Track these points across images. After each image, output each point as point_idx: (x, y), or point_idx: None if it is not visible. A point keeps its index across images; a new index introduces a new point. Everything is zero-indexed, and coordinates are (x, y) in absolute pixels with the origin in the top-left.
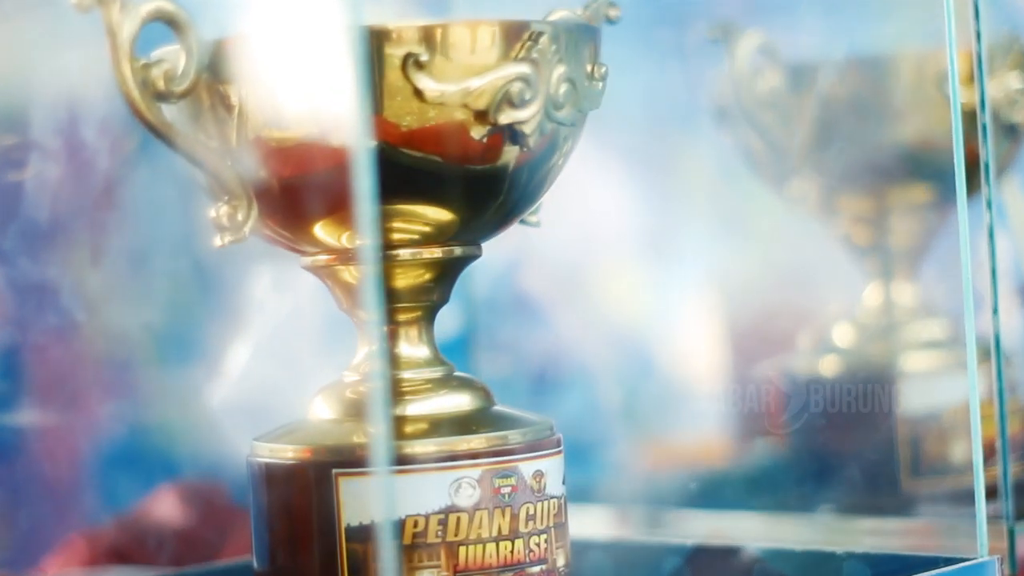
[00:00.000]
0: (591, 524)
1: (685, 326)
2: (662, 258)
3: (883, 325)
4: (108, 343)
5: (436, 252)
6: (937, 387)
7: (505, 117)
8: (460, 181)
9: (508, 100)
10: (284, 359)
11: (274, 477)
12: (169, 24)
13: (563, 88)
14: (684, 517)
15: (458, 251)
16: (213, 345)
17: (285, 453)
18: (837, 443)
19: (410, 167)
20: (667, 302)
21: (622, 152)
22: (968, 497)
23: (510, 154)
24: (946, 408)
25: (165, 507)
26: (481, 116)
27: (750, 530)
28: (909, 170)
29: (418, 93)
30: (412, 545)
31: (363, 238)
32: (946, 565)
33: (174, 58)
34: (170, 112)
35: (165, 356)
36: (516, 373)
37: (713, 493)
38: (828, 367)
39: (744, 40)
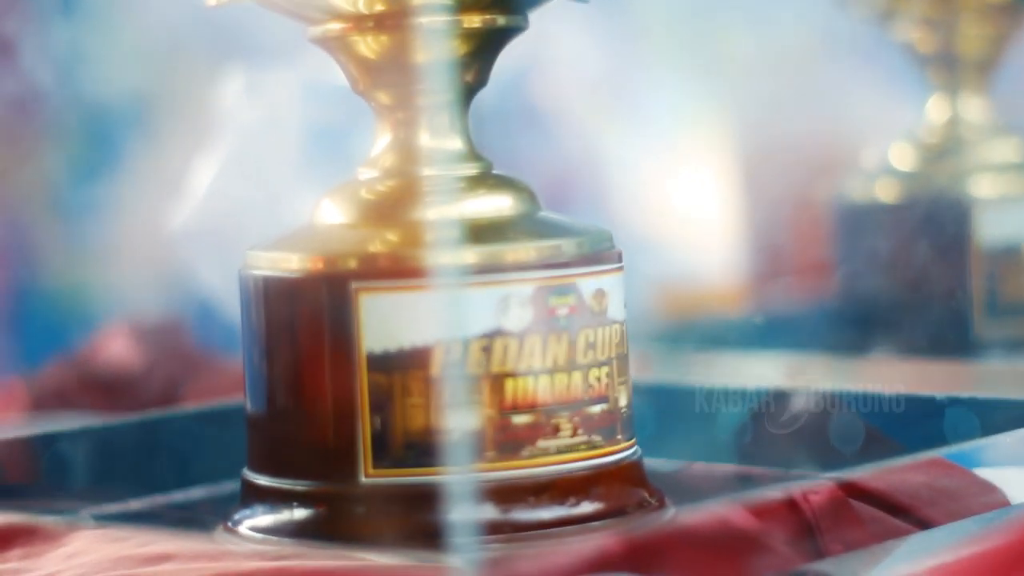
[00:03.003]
0: None
1: (711, 147)
2: (690, 70)
3: (949, 144)
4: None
5: (476, 21)
6: (1014, 214)
7: None
8: None
9: None
10: (257, 178)
11: (275, 294)
12: None
13: None
14: (720, 359)
15: (501, 21)
16: (173, 157)
17: (289, 263)
18: (897, 279)
19: None
20: (691, 125)
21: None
22: None
23: None
24: None
25: (116, 347)
26: None
27: (800, 372)
28: None
29: None
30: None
31: None
32: None
33: None
34: None
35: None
36: None
37: (749, 336)
38: (886, 191)
39: None
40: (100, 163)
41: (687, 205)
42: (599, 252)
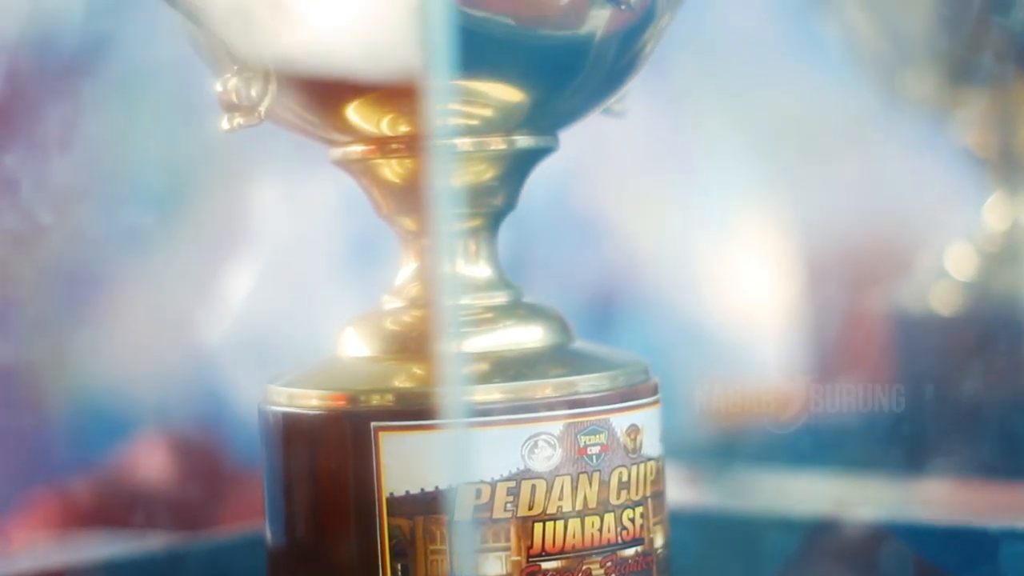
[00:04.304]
0: None
1: (765, 252)
2: (739, 169)
3: (1008, 250)
4: (81, 251)
5: (502, 143)
6: None
7: None
8: (534, 52)
9: None
10: (296, 286)
11: (294, 431)
12: None
13: None
14: (768, 477)
15: (529, 142)
16: (209, 266)
17: (309, 400)
18: (953, 392)
19: (473, 32)
20: (745, 220)
21: (694, 42)
22: None
23: (601, 17)
24: None
25: (150, 461)
26: None
27: (851, 496)
28: None
29: None
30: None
31: (427, 120)
32: None
33: None
34: None
35: (151, 275)
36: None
37: (797, 449)
38: (942, 300)
39: None
40: (135, 270)
41: (738, 308)
42: (634, 386)
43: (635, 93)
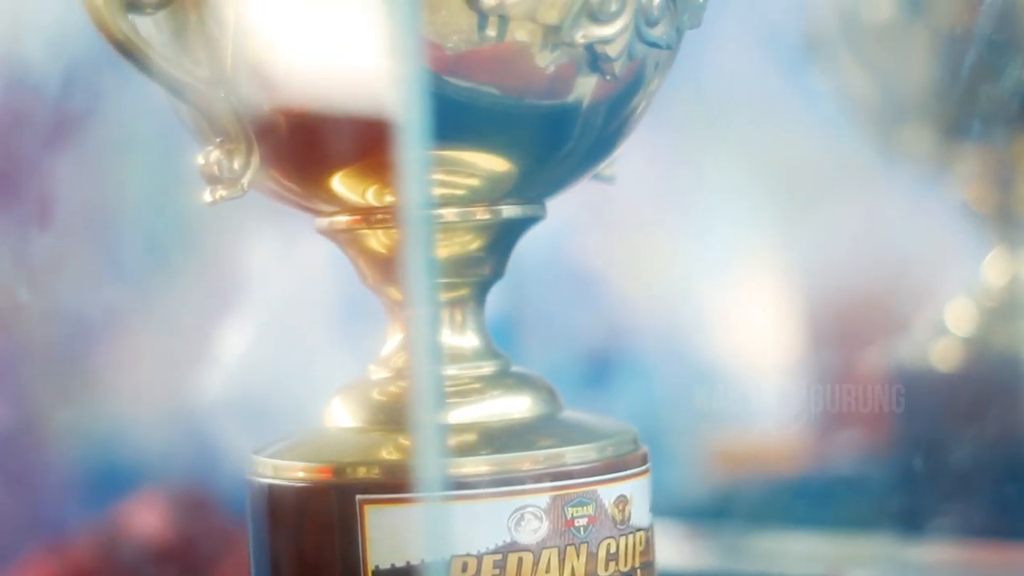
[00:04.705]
0: (659, 546)
1: (762, 306)
2: (736, 223)
3: (1009, 306)
4: (63, 327)
5: (488, 213)
6: None
7: (583, 35)
8: (521, 121)
9: (588, 12)
10: (292, 345)
11: (280, 503)
12: None
13: None
14: (764, 536)
15: (516, 211)
16: (205, 327)
17: (294, 472)
18: (953, 451)
19: (456, 102)
20: (741, 275)
21: (690, 94)
22: None
23: (586, 86)
24: None
25: (147, 518)
26: (552, 34)
27: (847, 557)
28: None
29: (470, 3)
30: None
31: (404, 191)
32: None
33: None
34: (146, 27)
35: (141, 340)
36: (564, 360)
37: (793, 507)
38: (942, 357)
39: None
40: (130, 329)
41: (736, 363)
42: (622, 456)
43: (631, 144)
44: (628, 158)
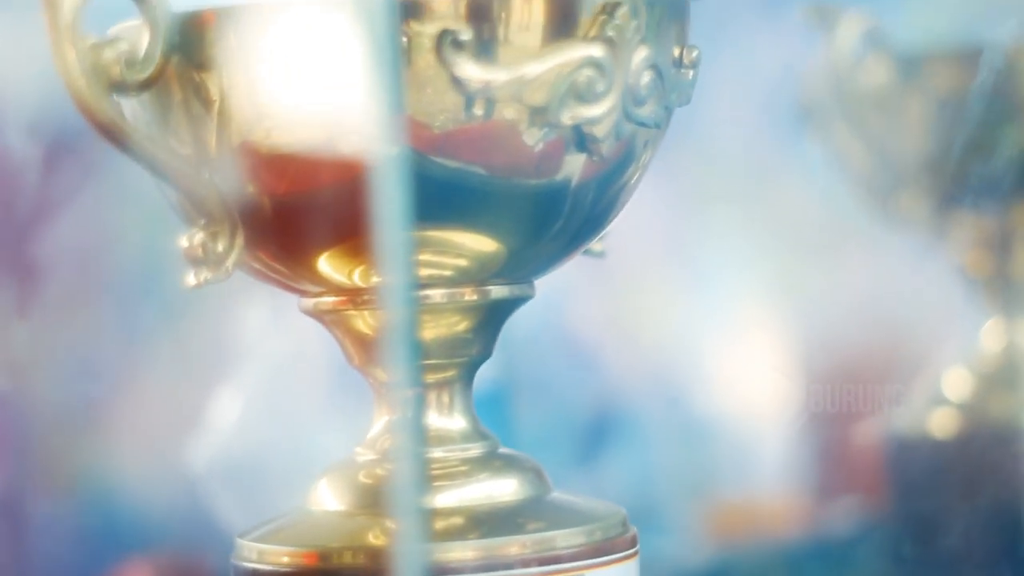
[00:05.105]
0: None
1: (759, 372)
2: (732, 290)
3: (1006, 373)
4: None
5: (476, 294)
6: None
7: (570, 115)
8: (509, 201)
9: (575, 93)
10: (285, 414)
11: None
12: None
13: (646, 77)
14: None
15: (504, 292)
16: (195, 397)
17: (279, 558)
18: (951, 517)
19: (444, 182)
20: (737, 341)
21: (687, 160)
22: None
23: (575, 165)
24: None
25: None
26: (539, 114)
27: None
28: None
29: (456, 83)
30: None
31: (387, 273)
32: None
33: (134, 36)
34: (129, 108)
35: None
36: (559, 426)
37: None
38: (938, 424)
39: (847, 24)
40: (123, 395)
41: (733, 428)
42: (611, 539)
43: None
44: (624, 222)
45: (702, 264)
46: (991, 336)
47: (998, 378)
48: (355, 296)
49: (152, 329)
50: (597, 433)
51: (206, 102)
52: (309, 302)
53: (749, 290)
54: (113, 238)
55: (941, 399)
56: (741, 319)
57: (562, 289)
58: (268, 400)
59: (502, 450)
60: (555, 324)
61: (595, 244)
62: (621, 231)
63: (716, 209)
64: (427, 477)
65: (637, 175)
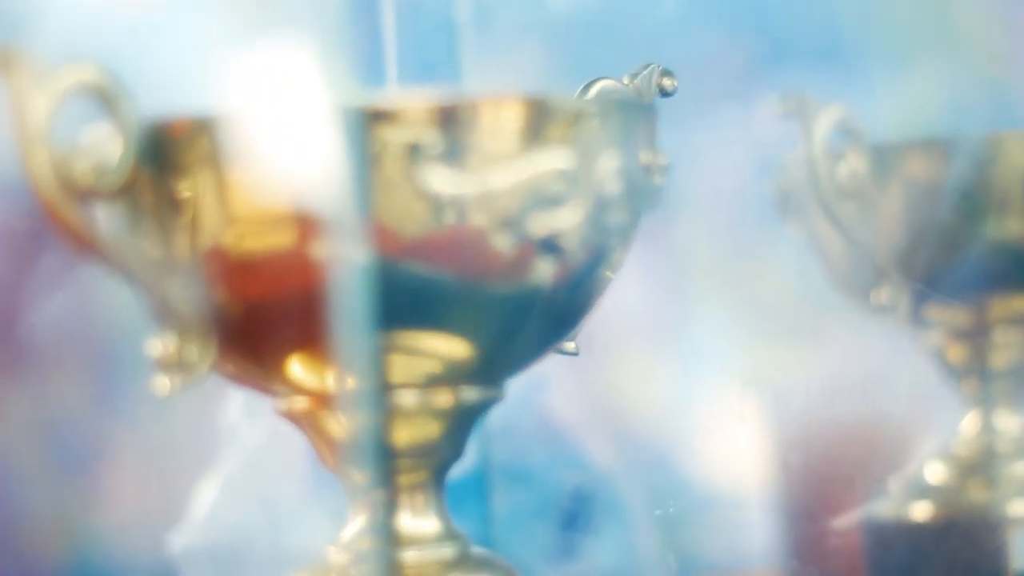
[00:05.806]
0: None
1: (736, 458)
2: (713, 376)
3: (984, 459)
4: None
5: (447, 397)
6: None
7: (538, 225)
8: (479, 305)
9: (543, 204)
10: (263, 501)
11: None
12: (98, 99)
13: (614, 185)
14: None
15: (475, 395)
16: (175, 484)
17: None
18: None
19: (414, 286)
20: (718, 430)
21: (664, 248)
22: None
23: (544, 272)
24: None
25: None
26: (507, 223)
27: None
28: (1017, 274)
29: (424, 192)
30: None
31: (355, 377)
32: None
33: (104, 144)
34: (100, 215)
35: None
36: (539, 513)
37: None
38: (918, 512)
39: (823, 115)
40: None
41: (714, 509)
42: None
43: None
44: (604, 306)
45: (682, 348)
46: (970, 423)
47: (977, 465)
48: (327, 399)
49: (133, 414)
50: (578, 514)
51: (176, 207)
52: (282, 404)
53: (729, 375)
54: (98, 318)
55: (920, 486)
56: (721, 405)
57: (540, 372)
58: (247, 486)
59: (474, 550)
60: (533, 407)
61: (567, 344)
62: (600, 315)
63: (696, 294)
64: None
65: (607, 278)
